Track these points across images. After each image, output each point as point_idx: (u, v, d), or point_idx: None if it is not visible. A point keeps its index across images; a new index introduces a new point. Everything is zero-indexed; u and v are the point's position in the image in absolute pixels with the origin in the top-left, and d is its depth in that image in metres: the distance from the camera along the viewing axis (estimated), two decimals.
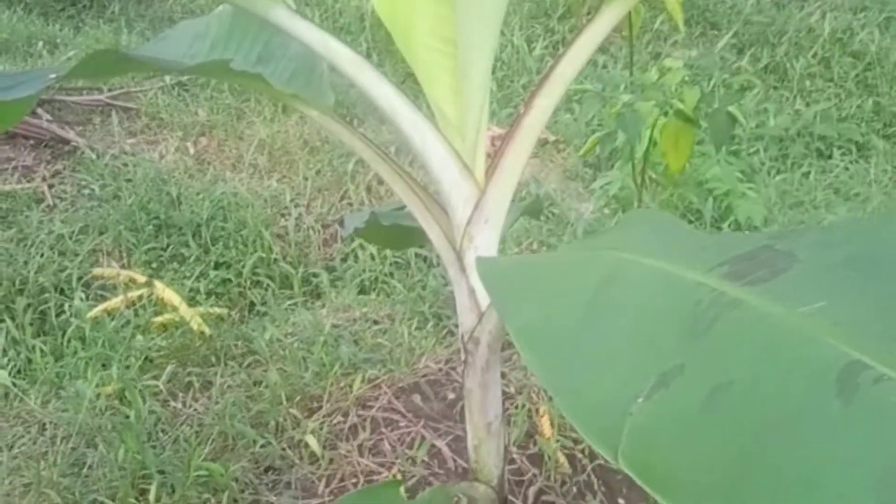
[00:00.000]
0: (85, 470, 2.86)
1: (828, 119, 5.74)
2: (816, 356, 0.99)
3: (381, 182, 5.14)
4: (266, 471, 2.89)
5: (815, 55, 6.51)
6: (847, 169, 5.29)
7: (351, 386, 3.10)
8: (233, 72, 1.57)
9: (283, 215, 4.85)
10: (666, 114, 2.69)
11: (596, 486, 2.84)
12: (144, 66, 1.78)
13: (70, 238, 4.48)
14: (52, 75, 1.49)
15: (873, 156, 5.41)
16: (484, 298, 1.66)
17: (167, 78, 6.34)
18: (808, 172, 5.23)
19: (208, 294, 4.23)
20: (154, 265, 4.35)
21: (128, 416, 3.00)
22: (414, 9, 1.56)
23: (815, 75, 6.36)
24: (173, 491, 2.74)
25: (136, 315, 3.75)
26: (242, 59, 1.79)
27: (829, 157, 5.50)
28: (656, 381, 1.04)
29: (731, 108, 2.67)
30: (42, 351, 3.64)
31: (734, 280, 1.15)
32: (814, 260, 1.16)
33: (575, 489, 2.82)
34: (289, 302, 4.09)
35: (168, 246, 4.52)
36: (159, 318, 3.70)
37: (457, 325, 3.36)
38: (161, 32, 2.01)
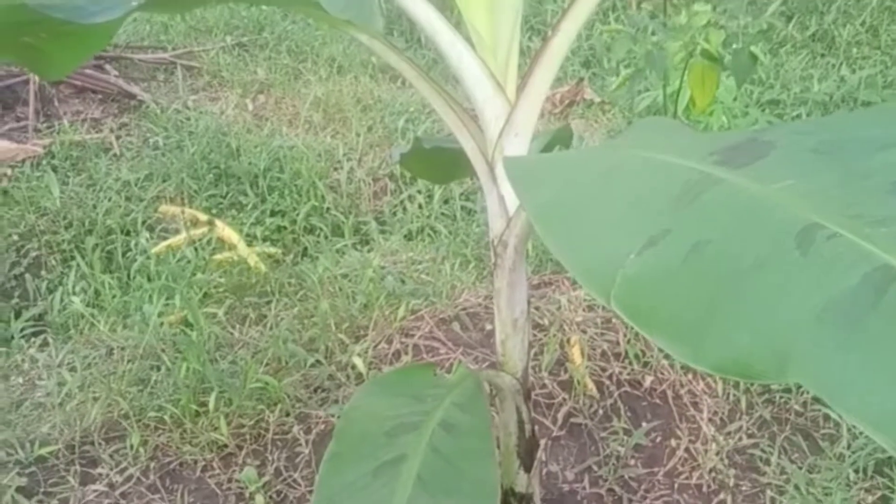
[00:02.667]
0: (150, 386, 3.11)
1: (872, 85, 5.82)
2: (782, 219, 1.18)
3: None
4: (315, 390, 3.11)
5: (863, 23, 6.57)
6: None
7: (396, 315, 3.31)
8: (295, 0, 1.76)
9: (335, 168, 5.06)
10: (692, 54, 2.86)
11: (622, 411, 3.02)
12: None
13: (135, 185, 4.76)
14: (135, 2, 1.68)
15: None
16: (512, 205, 1.85)
17: (228, 38, 6.60)
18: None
19: (264, 239, 4.47)
20: (214, 211, 4.59)
21: (190, 337, 3.24)
22: None
23: (862, 43, 6.43)
24: (230, 402, 2.98)
25: (197, 253, 4.00)
26: None
27: None
28: (646, 241, 1.23)
29: (752, 48, 2.82)
30: (110, 285, 3.91)
31: (721, 165, 1.33)
32: (789, 146, 1.33)
33: (602, 412, 3.01)
34: (339, 246, 4.31)
35: (227, 194, 4.77)
36: (219, 256, 3.93)
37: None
38: None
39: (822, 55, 6.44)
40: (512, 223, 1.82)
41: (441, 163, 2.34)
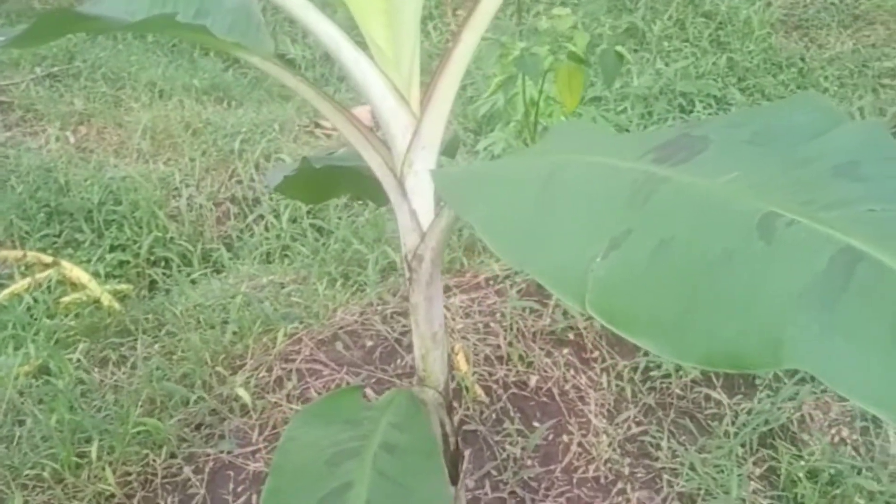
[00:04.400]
0: (17, 442, 2.91)
1: (687, 76, 6.11)
2: (739, 211, 1.21)
3: (268, 159, 5.24)
4: (198, 427, 2.99)
5: (670, 17, 6.88)
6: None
7: (273, 341, 3.22)
8: (179, 25, 1.68)
9: (174, 196, 4.90)
10: (557, 57, 2.93)
11: (512, 413, 3.05)
12: (97, 25, 1.88)
13: None
14: (1, 38, 1.57)
15: (733, 106, 5.80)
16: (425, 218, 1.83)
17: (37, 69, 6.27)
18: (673, 126, 5.56)
19: (107, 276, 4.27)
20: (49, 252, 4.35)
21: (55, 385, 3.05)
22: None
23: (672, 36, 6.73)
24: (113, 450, 2.83)
25: (45, 294, 3.78)
26: (182, 15, 1.90)
27: (691, 111, 5.86)
28: (609, 243, 1.23)
29: (618, 48, 2.92)
30: None
31: (660, 163, 1.36)
32: (724, 139, 1.37)
33: (493, 416, 3.03)
34: (194, 276, 4.17)
35: (62, 232, 4.53)
36: (67, 298, 3.73)
37: (366, 282, 3.53)
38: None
39: (636, 50, 6.70)
40: (427, 237, 1.80)
41: (330, 180, 2.30)
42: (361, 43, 1.75)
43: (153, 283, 4.31)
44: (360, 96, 1.80)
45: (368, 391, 2.99)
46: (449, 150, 2.31)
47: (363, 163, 2.08)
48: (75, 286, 3.80)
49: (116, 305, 3.70)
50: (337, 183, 2.43)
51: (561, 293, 1.25)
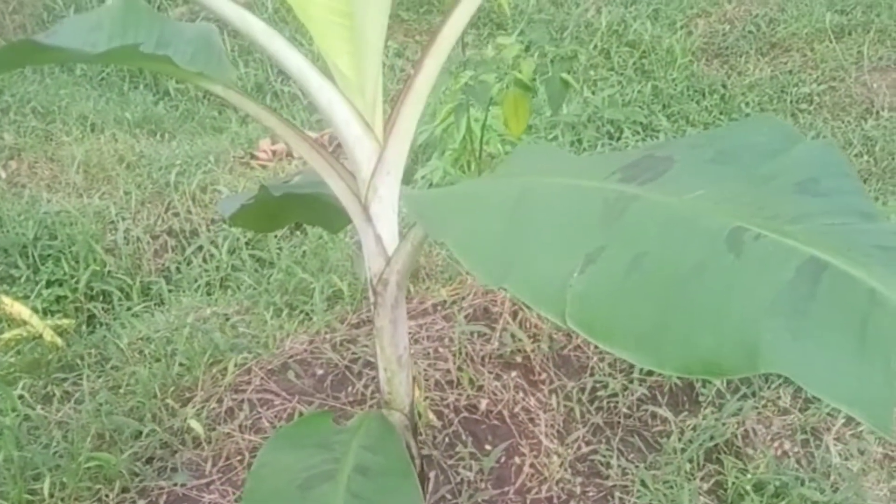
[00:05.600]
0: None
1: (614, 104, 6.24)
2: (707, 226, 1.27)
3: (204, 191, 5.22)
4: (149, 460, 2.97)
5: (595, 46, 7.04)
6: (637, 146, 5.80)
7: (223, 372, 3.21)
8: (142, 55, 1.70)
9: (110, 230, 4.84)
10: (507, 85, 3.00)
11: (464, 437, 3.08)
12: (59, 56, 1.88)
13: None
14: None
15: (660, 132, 5.95)
16: (390, 244, 1.86)
17: None
18: (603, 152, 5.69)
19: (44, 312, 4.20)
20: None
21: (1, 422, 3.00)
22: None
23: (598, 65, 6.88)
24: (65, 486, 2.78)
25: None
26: (144, 45, 1.92)
27: (619, 137, 6.00)
28: (585, 259, 1.29)
29: (562, 74, 3.01)
30: None
31: (628, 182, 1.42)
32: (688, 160, 1.44)
33: (446, 440, 3.06)
34: (132, 310, 4.13)
35: None
36: (7, 334, 3.67)
37: (312, 311, 3.53)
38: (50, 28, 2.10)
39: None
40: (392, 261, 1.84)
41: (287, 208, 2.32)
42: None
43: (91, 317, 4.25)
44: (317, 123, 1.83)
45: None
46: (405, 176, 2.35)
47: (321, 190, 2.12)
48: (15, 322, 3.73)
49: (58, 341, 3.65)
50: (291, 210, 2.45)
51: (540, 307, 1.30)
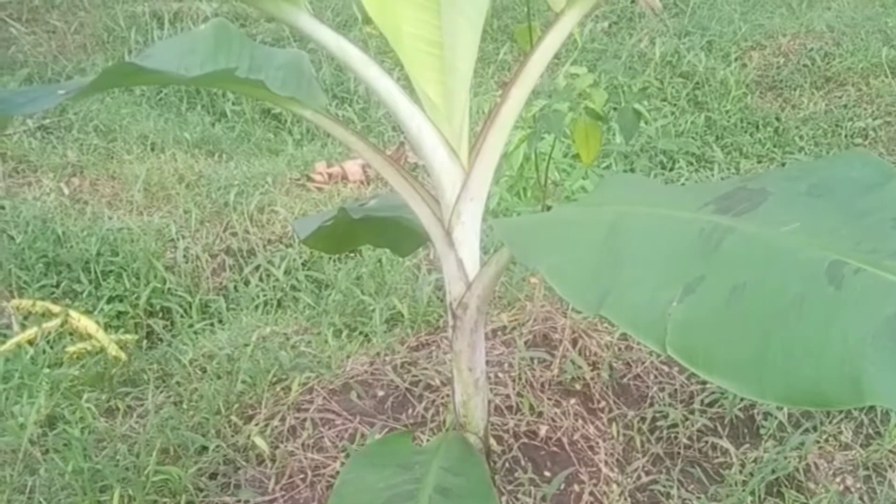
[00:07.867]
0: (32, 492, 2.91)
1: (667, 134, 6.26)
2: (806, 259, 1.28)
3: (261, 211, 5.30)
4: (213, 476, 3.01)
5: (648, 76, 7.07)
6: (691, 177, 5.81)
7: (286, 391, 3.25)
8: (237, 79, 1.75)
9: (170, 248, 4.92)
10: (575, 114, 3.05)
11: (523, 462, 3.09)
12: (157, 78, 1.94)
13: None
14: (62, 91, 1.62)
15: (714, 164, 5.95)
16: (471, 268, 1.89)
17: (29, 122, 6.30)
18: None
19: (105, 327, 4.27)
20: (47, 302, 4.35)
21: (70, 434, 3.06)
22: (401, 17, 1.80)
23: (652, 95, 6.90)
24: (133, 499, 2.83)
25: (49, 345, 3.79)
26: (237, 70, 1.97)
27: (672, 168, 6.01)
28: (684, 288, 1.31)
29: (635, 105, 3.04)
30: None
31: (723, 213, 1.44)
32: (783, 192, 1.45)
33: (506, 466, 3.07)
34: (193, 327, 4.19)
35: (59, 282, 4.54)
36: (72, 348, 3.74)
37: (372, 332, 3.57)
38: (144, 51, 2.16)
39: (615, 108, 6.84)
40: (473, 286, 1.86)
41: (366, 231, 2.35)
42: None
43: (151, 333, 4.32)
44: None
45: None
46: None
47: (400, 213, 2.16)
48: (81, 336, 3.81)
49: (122, 355, 3.71)
50: (365, 233, 2.49)
51: (639, 335, 1.32)
